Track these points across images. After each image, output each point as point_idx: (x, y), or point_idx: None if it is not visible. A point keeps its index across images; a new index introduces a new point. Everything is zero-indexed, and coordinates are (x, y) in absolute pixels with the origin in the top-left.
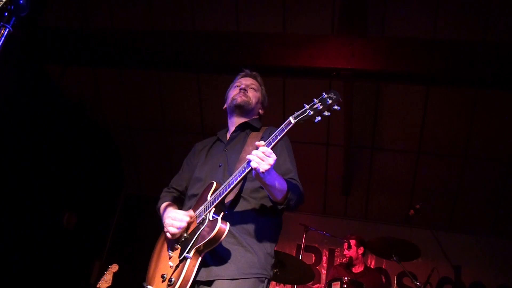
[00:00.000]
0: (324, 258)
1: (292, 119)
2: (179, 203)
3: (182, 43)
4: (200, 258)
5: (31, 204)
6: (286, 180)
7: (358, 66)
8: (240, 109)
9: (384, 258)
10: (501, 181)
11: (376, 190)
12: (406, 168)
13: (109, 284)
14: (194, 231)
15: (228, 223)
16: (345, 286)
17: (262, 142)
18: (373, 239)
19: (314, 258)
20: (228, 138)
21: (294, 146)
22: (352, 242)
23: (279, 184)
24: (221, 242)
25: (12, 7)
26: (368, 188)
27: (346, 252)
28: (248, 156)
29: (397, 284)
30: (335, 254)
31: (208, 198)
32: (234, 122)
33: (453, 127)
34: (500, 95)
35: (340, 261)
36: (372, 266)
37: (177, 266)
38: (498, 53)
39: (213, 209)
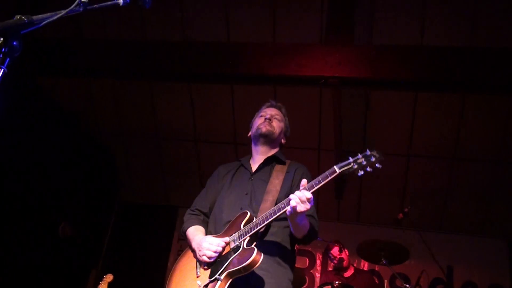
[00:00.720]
0: (318, 262)
1: (337, 169)
2: (205, 225)
3: (173, 53)
4: (229, 281)
5: (26, 215)
6: (309, 219)
7: (345, 74)
8: (265, 138)
9: (373, 263)
10: (490, 181)
11: (368, 193)
12: (397, 171)
13: None
14: (227, 256)
15: (262, 254)
16: None
17: (305, 181)
18: (361, 243)
19: (308, 262)
20: (254, 169)
21: (286, 151)
22: (336, 250)
23: (303, 226)
24: (253, 270)
25: (6, 49)
26: (360, 192)
27: (337, 254)
28: (291, 196)
29: (390, 285)
30: (330, 258)
31: (242, 226)
32: (259, 151)
33: (442, 130)
34: (487, 98)
35: (333, 265)
36: (365, 269)
37: (206, 286)
38: (484, 58)
39: (248, 238)
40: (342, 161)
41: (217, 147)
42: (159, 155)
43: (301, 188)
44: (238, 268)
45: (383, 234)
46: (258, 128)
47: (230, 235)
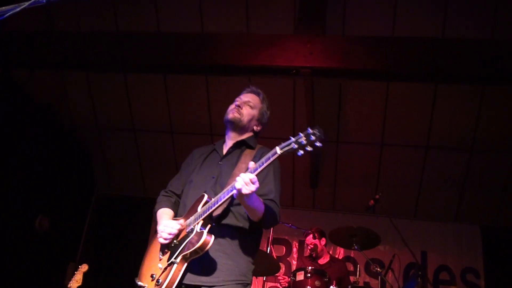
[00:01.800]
0: (294, 249)
1: (278, 150)
2: (176, 206)
3: (147, 44)
4: (186, 264)
5: (2, 209)
6: (265, 204)
7: (317, 64)
8: (232, 125)
9: (345, 248)
10: (462, 169)
11: (343, 181)
12: (371, 160)
13: (80, 284)
14: (183, 239)
15: (212, 236)
16: (309, 275)
17: (251, 163)
18: (334, 230)
19: (284, 249)
20: (224, 152)
21: (262, 143)
22: (309, 238)
23: (256, 208)
24: (206, 252)
25: None
26: (335, 180)
27: (311, 241)
28: (236, 178)
29: (365, 271)
30: (305, 244)
31: (199, 209)
32: (231, 137)
33: (415, 119)
34: (458, 88)
35: (309, 252)
36: (340, 257)
37: (165, 268)
38: (455, 48)
39: (201, 221)
40: (284, 142)
41: (193, 138)
42: (136, 147)
43: (248, 170)
44: (191, 251)
45: (357, 221)
46: (226, 114)
47: (189, 218)
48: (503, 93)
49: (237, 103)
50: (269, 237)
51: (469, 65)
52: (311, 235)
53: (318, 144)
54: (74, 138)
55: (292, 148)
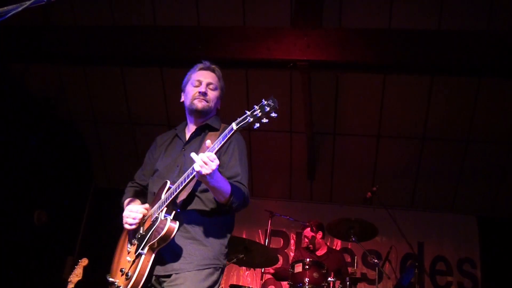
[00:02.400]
0: (292, 241)
1: (234, 125)
2: (142, 197)
3: (144, 38)
4: (153, 255)
5: (0, 203)
6: (232, 184)
7: (313, 57)
8: (200, 114)
9: (343, 240)
10: (458, 160)
11: (340, 173)
12: (368, 151)
13: (80, 278)
14: (149, 229)
15: (177, 222)
16: (307, 267)
17: (208, 142)
18: (331, 222)
19: (282, 242)
20: (187, 138)
21: (259, 135)
22: (307, 230)
23: (222, 188)
24: (173, 239)
25: None
26: (332, 172)
27: (309, 234)
28: (194, 158)
29: (362, 262)
30: (303, 236)
31: (162, 197)
32: (194, 121)
33: (411, 111)
34: (455, 79)
35: (306, 245)
36: (338, 248)
37: (134, 261)
38: (452, 41)
39: (165, 208)
40: (239, 117)
41: None
42: (133, 140)
43: (206, 147)
44: (157, 240)
45: (354, 213)
46: (192, 103)
47: (153, 207)
48: (499, 85)
49: (202, 89)
50: (267, 229)
51: (465, 57)
52: (308, 228)
53: (273, 114)
54: (72, 132)
55: (247, 121)
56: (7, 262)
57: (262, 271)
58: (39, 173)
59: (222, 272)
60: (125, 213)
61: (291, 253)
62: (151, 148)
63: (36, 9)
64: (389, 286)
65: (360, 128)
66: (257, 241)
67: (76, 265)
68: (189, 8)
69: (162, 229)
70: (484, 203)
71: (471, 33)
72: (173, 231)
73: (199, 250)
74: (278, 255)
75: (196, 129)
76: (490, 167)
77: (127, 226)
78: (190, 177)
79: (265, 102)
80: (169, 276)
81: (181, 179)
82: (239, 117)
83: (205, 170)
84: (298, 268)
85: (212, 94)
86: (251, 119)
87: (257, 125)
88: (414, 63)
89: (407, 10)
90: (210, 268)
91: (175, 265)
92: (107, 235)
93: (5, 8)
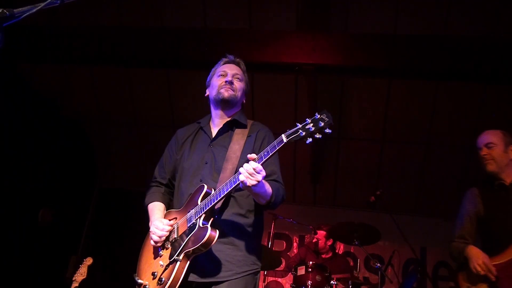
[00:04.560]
0: (295, 244)
1: (284, 138)
2: (166, 197)
3: (150, 39)
4: (189, 261)
5: (6, 202)
6: (271, 185)
7: (319, 61)
8: (226, 103)
9: (346, 243)
10: (463, 166)
11: (344, 177)
12: (372, 156)
13: (84, 277)
14: (185, 235)
15: (217, 231)
16: (310, 269)
17: (253, 156)
18: (335, 225)
19: (285, 244)
20: (213, 134)
21: None
22: (322, 233)
23: (264, 193)
24: (210, 248)
25: None
26: (336, 176)
27: (315, 241)
28: (240, 169)
29: (364, 266)
30: (305, 240)
31: (199, 202)
32: (220, 115)
33: (416, 116)
34: (459, 86)
35: (312, 246)
36: (340, 252)
37: (167, 266)
38: (457, 46)
39: (203, 215)
40: (290, 129)
41: None
42: (138, 140)
43: (249, 159)
44: (194, 248)
45: (358, 217)
46: (219, 93)
47: (188, 211)
48: (506, 92)
49: (229, 79)
50: (270, 232)
51: (471, 62)
52: (325, 233)
53: (327, 130)
54: (77, 131)
55: (299, 135)
56: (11, 261)
57: (265, 273)
58: (44, 172)
59: (259, 275)
60: (151, 229)
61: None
62: (170, 143)
63: (44, 9)
64: None
65: (364, 132)
66: None
67: (81, 264)
68: (196, 10)
69: (202, 237)
70: None
71: (477, 38)
72: (213, 240)
73: (238, 256)
74: (281, 258)
75: (223, 125)
76: None
77: (152, 243)
78: (233, 186)
79: (319, 116)
80: (208, 284)
81: (223, 187)
82: (289, 129)
83: (251, 182)
84: (301, 270)
85: (238, 85)
86: (303, 133)
87: (310, 140)
88: (420, 68)
89: (413, 16)
90: (249, 274)
91: (214, 272)
92: (111, 234)
93: (20, 9)
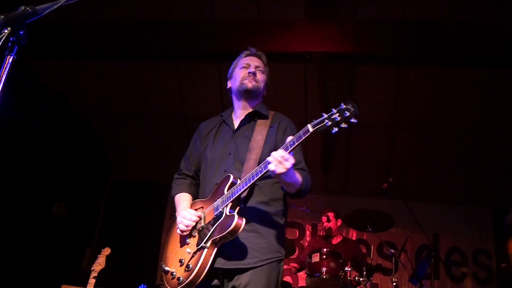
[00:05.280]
0: (307, 233)
1: (310, 128)
2: (192, 188)
3: (159, 33)
4: (216, 248)
5: (21, 196)
6: (299, 171)
7: (329, 49)
8: (249, 94)
9: (360, 230)
10: (473, 152)
11: (355, 165)
12: (383, 143)
13: (103, 266)
14: (212, 223)
15: (244, 219)
16: (324, 256)
17: (290, 137)
18: (349, 212)
19: (297, 233)
20: (236, 126)
21: None
22: (331, 214)
23: (294, 181)
24: (237, 235)
25: (14, 38)
26: (347, 164)
27: (326, 224)
28: (268, 159)
29: (377, 253)
30: (318, 228)
31: (225, 192)
32: (241, 106)
33: (426, 103)
34: (469, 71)
35: (322, 234)
36: (353, 238)
37: (195, 253)
38: (466, 32)
39: (230, 204)
40: (316, 119)
41: None
42: (149, 133)
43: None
44: (221, 236)
45: (370, 204)
46: (242, 84)
47: (215, 201)
48: None
49: (252, 70)
50: None
51: (479, 48)
52: (325, 218)
53: (353, 120)
54: (89, 126)
55: (325, 125)
56: (27, 254)
57: None
58: (58, 166)
59: (283, 263)
60: (178, 219)
61: (306, 244)
62: (194, 136)
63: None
64: (405, 276)
65: (375, 119)
66: None
67: (99, 254)
68: (203, 1)
69: (229, 225)
70: (499, 194)
71: (485, 23)
72: (240, 227)
73: (262, 243)
74: (295, 246)
75: (245, 116)
76: (503, 158)
77: (179, 232)
78: (260, 175)
79: (344, 107)
80: (233, 270)
81: (249, 176)
82: (315, 119)
83: (280, 170)
84: (316, 258)
85: (261, 76)
86: (329, 123)
87: (336, 129)
88: (429, 55)
89: (422, 1)
90: (273, 262)
91: (239, 259)
92: (125, 227)
93: (42, 6)
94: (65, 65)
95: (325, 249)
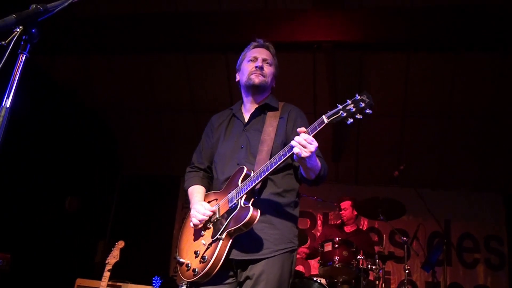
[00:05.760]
0: (319, 222)
1: (325, 119)
2: (205, 181)
3: (166, 25)
4: (231, 240)
5: (34, 192)
6: (319, 160)
7: (338, 37)
8: (257, 89)
9: (372, 219)
10: (484, 138)
11: (365, 154)
12: (393, 131)
13: (117, 259)
14: (226, 215)
15: (259, 211)
16: (337, 245)
17: (303, 129)
18: (360, 201)
19: (309, 222)
20: (246, 119)
21: None
22: (348, 203)
23: (316, 166)
24: (251, 229)
25: (27, 37)
26: (357, 153)
27: (342, 213)
28: (292, 143)
29: (389, 241)
30: (329, 218)
31: (239, 183)
32: (251, 100)
33: (435, 89)
34: (478, 57)
35: (334, 222)
36: (364, 228)
37: (210, 245)
38: (474, 16)
39: (245, 195)
40: (330, 110)
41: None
42: (159, 126)
43: (299, 132)
44: (236, 227)
45: (381, 192)
46: (249, 79)
47: (229, 193)
48: None
49: (259, 64)
50: None
51: (488, 32)
52: (350, 202)
53: (368, 111)
54: (99, 121)
55: (340, 116)
56: (42, 247)
57: None
58: (70, 161)
59: (295, 253)
60: (191, 212)
61: (318, 233)
62: (206, 130)
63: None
64: (417, 263)
65: (385, 107)
66: None
67: (113, 247)
68: None
69: (244, 217)
70: (510, 181)
71: (494, 7)
72: (255, 219)
73: (275, 234)
74: (307, 236)
75: (255, 109)
76: None
77: (192, 226)
78: (283, 159)
79: (359, 97)
80: (247, 261)
81: (264, 167)
82: (330, 110)
83: (305, 153)
84: (328, 247)
85: (268, 70)
86: (344, 114)
87: (351, 120)
88: (438, 40)
89: None
90: (286, 252)
91: (253, 250)
92: (137, 220)
93: (53, 4)
94: (73, 61)
95: (337, 238)
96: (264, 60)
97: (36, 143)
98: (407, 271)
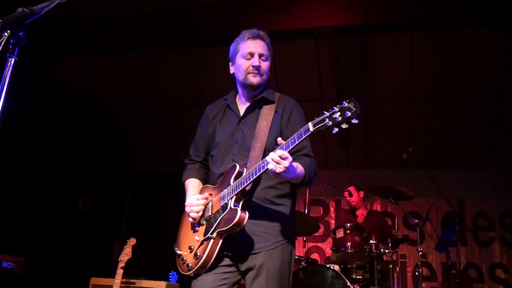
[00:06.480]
0: (332, 209)
1: (311, 127)
2: (202, 171)
3: (166, 21)
4: (221, 240)
5: (47, 194)
6: (303, 163)
7: (338, 22)
8: (255, 88)
9: (382, 198)
10: (493, 114)
11: (374, 138)
12: (401, 113)
13: (130, 257)
14: (218, 213)
15: (247, 213)
16: (348, 231)
17: (282, 140)
18: (369, 187)
19: (322, 210)
20: (241, 112)
21: None
22: (352, 188)
23: (296, 176)
24: (243, 227)
25: (14, 40)
26: (366, 137)
27: (349, 199)
28: (267, 158)
29: (403, 224)
30: (342, 204)
31: (231, 182)
32: (246, 95)
33: (441, 68)
34: (484, 33)
35: (347, 208)
36: (378, 210)
37: (202, 242)
38: None
39: (235, 196)
40: (317, 117)
41: None
42: (167, 122)
43: (277, 148)
44: (226, 228)
45: (392, 176)
46: (247, 78)
47: (222, 190)
48: None
49: (255, 63)
50: (305, 199)
51: (491, 5)
52: (346, 193)
53: (354, 121)
54: (107, 119)
55: (326, 125)
56: (57, 250)
57: (304, 239)
58: (80, 162)
59: (295, 243)
60: (186, 208)
61: (331, 220)
62: (201, 121)
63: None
64: (431, 245)
65: (391, 90)
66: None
67: (125, 245)
68: None
69: (232, 219)
70: None
71: None
72: (243, 221)
73: (272, 226)
74: (319, 223)
75: (251, 103)
76: None
77: (190, 220)
78: (262, 171)
79: (346, 105)
80: (245, 255)
81: (252, 171)
82: (316, 117)
83: (279, 169)
84: (340, 233)
85: (265, 65)
86: (330, 123)
87: (336, 130)
88: (441, 18)
89: None
90: (285, 243)
91: (252, 244)
92: (149, 214)
93: (39, 6)
94: (78, 62)
95: (348, 224)
96: (260, 55)
97: (47, 146)
98: (420, 253)
